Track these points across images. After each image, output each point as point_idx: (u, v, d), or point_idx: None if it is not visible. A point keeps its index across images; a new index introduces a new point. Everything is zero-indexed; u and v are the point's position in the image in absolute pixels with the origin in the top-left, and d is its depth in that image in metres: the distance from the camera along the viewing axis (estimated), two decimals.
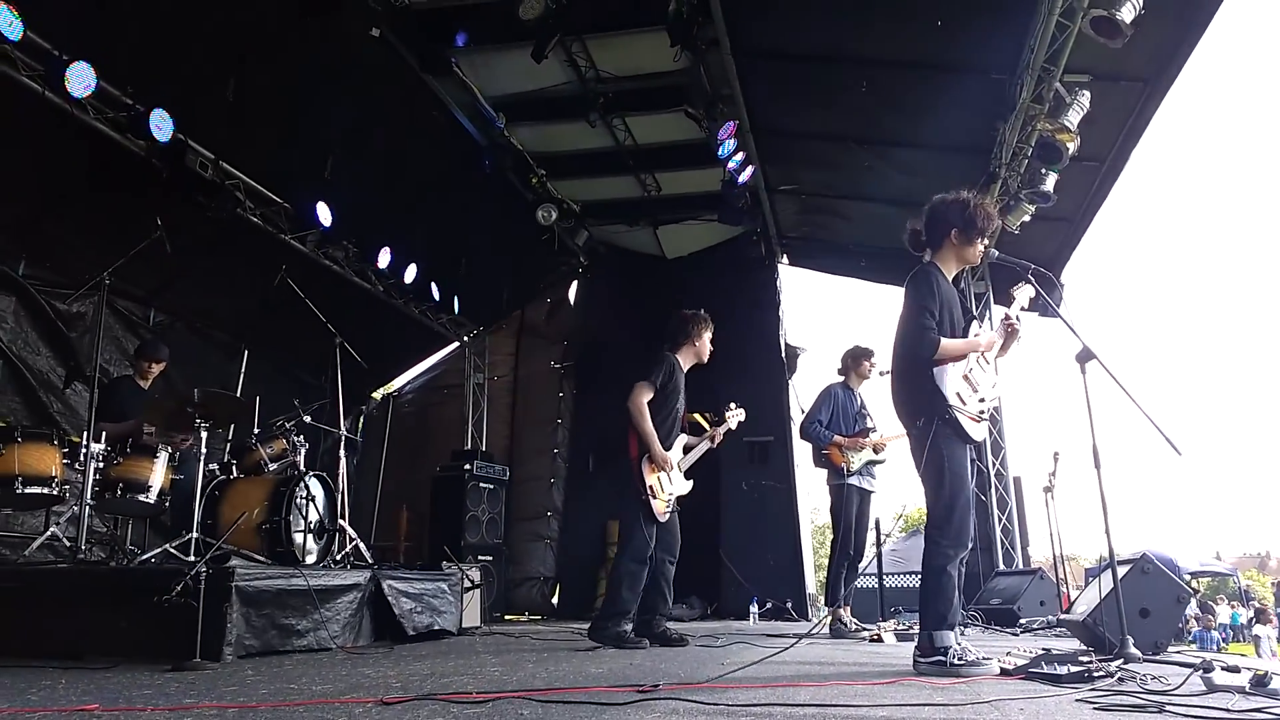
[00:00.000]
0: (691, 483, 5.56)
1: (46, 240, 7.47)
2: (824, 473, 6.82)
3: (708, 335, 5.62)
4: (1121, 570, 4.45)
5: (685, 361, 5.57)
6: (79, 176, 7.26)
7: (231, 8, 6.74)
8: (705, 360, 5.65)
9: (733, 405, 5.96)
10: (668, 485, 5.32)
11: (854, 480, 6.64)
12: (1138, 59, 6.59)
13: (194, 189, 7.40)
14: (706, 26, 7.74)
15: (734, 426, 5.95)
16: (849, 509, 6.61)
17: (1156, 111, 7.11)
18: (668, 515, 5.31)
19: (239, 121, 7.53)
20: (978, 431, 3.87)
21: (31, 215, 7.34)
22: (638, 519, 5.19)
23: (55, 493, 5.33)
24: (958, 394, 3.82)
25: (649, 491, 5.17)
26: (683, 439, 5.55)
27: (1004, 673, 3.53)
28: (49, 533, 5.36)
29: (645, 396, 5.23)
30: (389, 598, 5.13)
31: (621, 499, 5.34)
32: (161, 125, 6.94)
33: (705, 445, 5.66)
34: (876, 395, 7.01)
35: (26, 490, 5.17)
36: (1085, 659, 3.62)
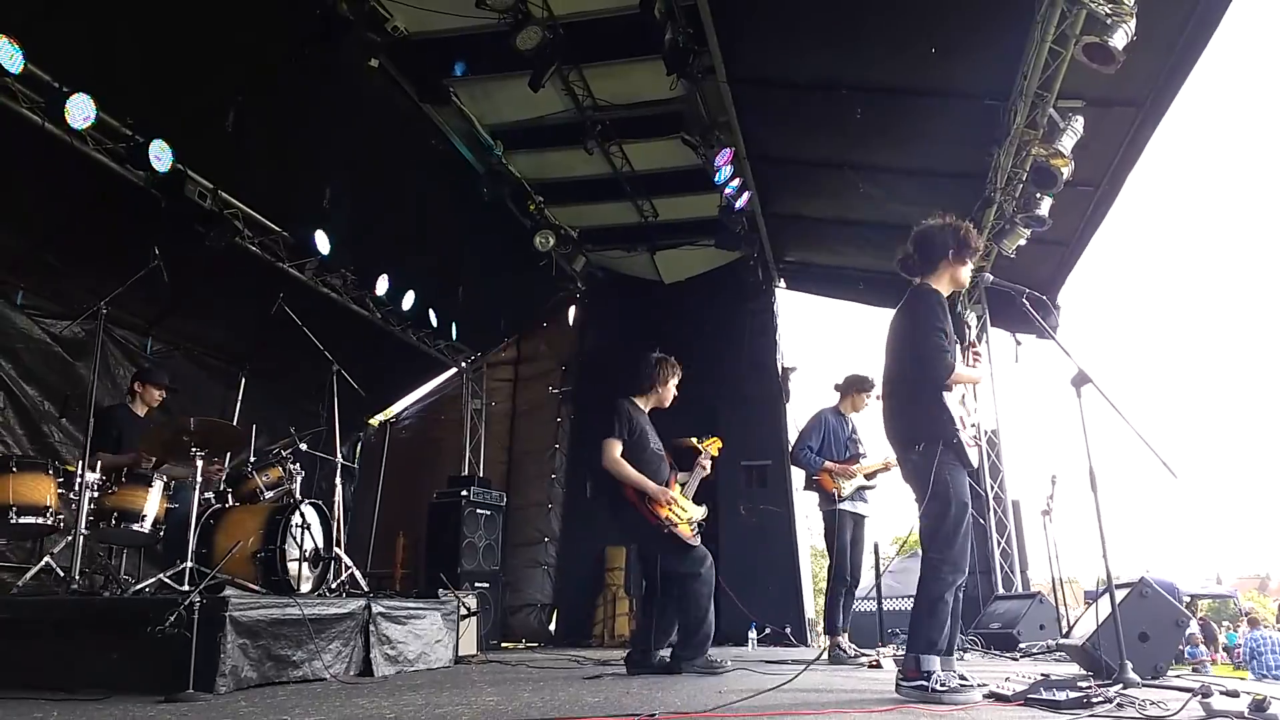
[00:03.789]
0: (704, 508, 5.52)
1: (45, 269, 7.49)
2: (816, 497, 6.82)
3: (674, 381, 5.60)
4: (1120, 594, 4.44)
5: (645, 404, 5.56)
6: (78, 207, 7.30)
7: (231, 39, 6.80)
8: (666, 406, 5.61)
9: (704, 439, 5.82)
10: (682, 514, 5.30)
11: (845, 505, 6.63)
12: (1132, 84, 6.62)
13: (193, 218, 7.45)
14: (702, 55, 7.80)
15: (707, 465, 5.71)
16: (842, 534, 6.62)
17: (1152, 136, 7.14)
18: (697, 537, 5.31)
19: (238, 151, 7.57)
20: (975, 456, 3.88)
21: (31, 245, 7.37)
22: (678, 553, 5.22)
23: (50, 522, 5.28)
24: (960, 419, 3.83)
25: (667, 524, 5.17)
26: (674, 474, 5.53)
27: (1001, 699, 3.51)
28: (43, 562, 5.31)
29: (616, 450, 5.26)
30: (382, 628, 5.10)
31: (654, 545, 5.37)
32: (161, 156, 6.98)
33: (699, 474, 5.60)
34: (869, 421, 7.00)
35: (21, 520, 5.13)
36: (1084, 684, 3.60)
